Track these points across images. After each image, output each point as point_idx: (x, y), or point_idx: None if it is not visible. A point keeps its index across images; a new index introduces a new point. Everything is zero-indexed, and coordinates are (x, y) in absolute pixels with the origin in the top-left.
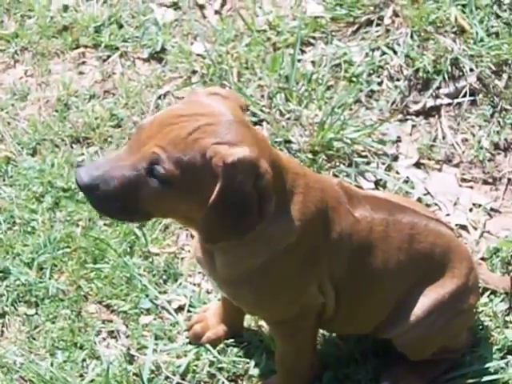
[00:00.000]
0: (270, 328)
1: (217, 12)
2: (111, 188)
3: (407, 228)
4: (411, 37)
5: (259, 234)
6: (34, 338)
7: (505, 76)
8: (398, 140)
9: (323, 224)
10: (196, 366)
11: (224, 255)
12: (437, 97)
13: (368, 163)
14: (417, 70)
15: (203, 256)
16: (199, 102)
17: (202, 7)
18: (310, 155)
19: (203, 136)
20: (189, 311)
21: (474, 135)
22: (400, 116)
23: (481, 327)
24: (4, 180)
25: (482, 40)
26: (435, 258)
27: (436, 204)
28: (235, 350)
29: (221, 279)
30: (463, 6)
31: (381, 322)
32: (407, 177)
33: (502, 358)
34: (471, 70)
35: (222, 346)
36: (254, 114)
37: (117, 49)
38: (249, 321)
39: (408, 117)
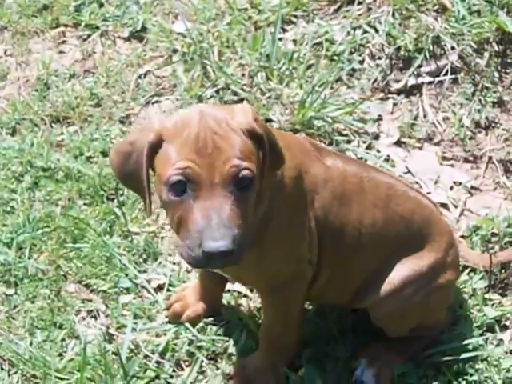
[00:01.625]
0: (262, 298)
1: None
2: (240, 233)
3: (384, 187)
4: (393, 15)
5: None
6: (13, 318)
7: (486, 54)
8: (379, 118)
9: (299, 171)
10: (175, 344)
11: None
12: (418, 75)
13: (349, 142)
14: (398, 49)
15: None
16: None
17: None
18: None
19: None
20: (168, 290)
21: (455, 113)
22: (381, 95)
23: (460, 305)
24: None
25: (463, 18)
26: (414, 226)
27: (417, 182)
28: (214, 328)
29: None
30: None
31: (358, 290)
32: (388, 155)
33: (481, 335)
34: (452, 48)
35: (201, 324)
36: (235, 93)
37: (97, 28)
38: (228, 299)
39: (389, 95)
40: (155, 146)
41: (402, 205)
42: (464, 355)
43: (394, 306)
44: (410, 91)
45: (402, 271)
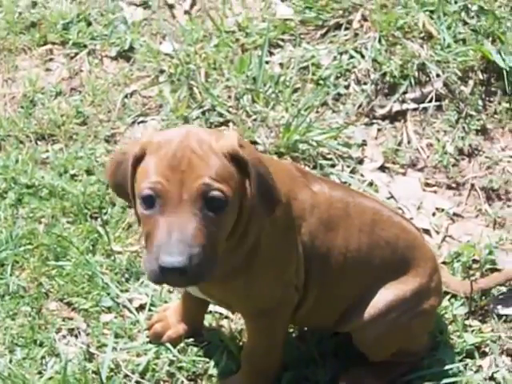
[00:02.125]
0: (246, 322)
1: (186, 12)
2: (201, 253)
3: (370, 213)
4: (379, 41)
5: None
6: None
7: (471, 82)
8: (364, 143)
9: (288, 198)
10: (155, 364)
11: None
12: (403, 101)
13: (333, 166)
14: (384, 75)
15: None
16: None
17: (171, 7)
18: (275, 156)
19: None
20: (150, 310)
21: (438, 140)
22: (366, 120)
23: (440, 331)
24: None
25: (449, 46)
26: (398, 251)
27: (400, 208)
28: (195, 349)
29: (215, 281)
30: (431, 11)
31: (342, 314)
32: (372, 180)
33: (461, 361)
34: (438, 75)
35: (182, 345)
36: (221, 115)
37: (85, 46)
38: (209, 320)
39: (374, 121)
40: (139, 158)
41: (386, 230)
42: (443, 381)
43: (378, 330)
44: (394, 117)
45: (386, 295)
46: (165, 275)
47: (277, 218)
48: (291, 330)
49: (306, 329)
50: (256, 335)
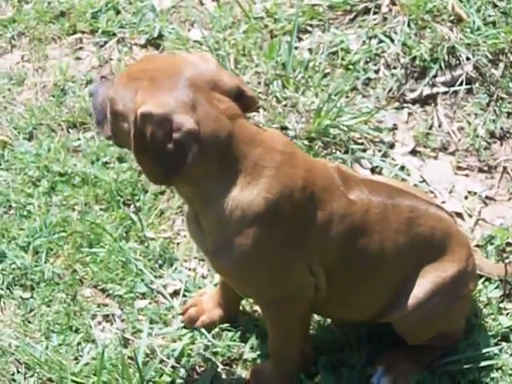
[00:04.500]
0: (260, 309)
1: None
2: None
3: (406, 211)
4: (408, 25)
5: (226, 199)
6: (29, 322)
7: (501, 65)
8: (395, 128)
9: (310, 203)
10: (191, 349)
11: (207, 221)
12: (433, 85)
13: (364, 150)
14: (413, 59)
15: (192, 225)
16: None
17: None
18: (306, 142)
19: (145, 80)
20: (184, 296)
21: (469, 123)
22: (396, 104)
23: (475, 314)
24: (0, 164)
25: (478, 29)
26: (435, 242)
27: (431, 191)
28: (230, 334)
29: (208, 249)
30: None
31: (381, 307)
32: (403, 164)
33: (496, 344)
34: (468, 58)
35: (216, 330)
36: None
37: (114, 35)
38: (244, 306)
39: (404, 105)
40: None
41: (423, 224)
42: (479, 364)
43: (419, 318)
44: (425, 101)
45: (425, 285)
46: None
47: (281, 222)
48: None
49: None
50: (269, 323)
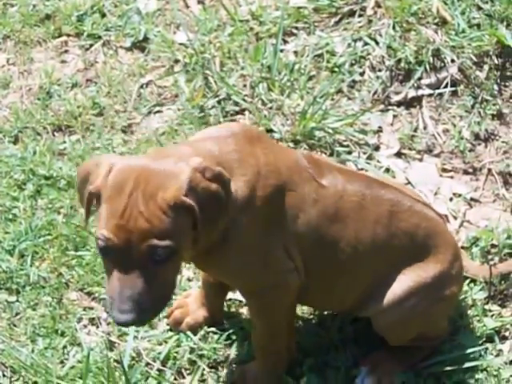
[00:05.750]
0: (247, 302)
1: (199, 1)
2: (149, 301)
3: (387, 204)
4: (393, 28)
5: None
6: (14, 325)
7: (486, 67)
8: (380, 130)
9: (280, 188)
10: (177, 352)
11: None
12: (418, 87)
13: (349, 153)
14: (398, 61)
15: None
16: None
17: None
18: (291, 144)
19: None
20: None
21: (454, 125)
22: (381, 106)
23: (460, 315)
24: None
25: (463, 31)
26: (418, 240)
27: None
28: (216, 337)
29: (200, 256)
30: None
31: (359, 298)
32: (388, 166)
33: (481, 345)
34: (452, 60)
35: (202, 333)
36: (237, 104)
37: (99, 37)
38: (229, 308)
39: (389, 107)
40: (96, 195)
41: (406, 220)
42: (464, 365)
43: (397, 316)
44: (410, 103)
45: (405, 282)
46: (120, 324)
47: (258, 206)
48: (311, 317)
49: (325, 313)
50: (254, 314)
